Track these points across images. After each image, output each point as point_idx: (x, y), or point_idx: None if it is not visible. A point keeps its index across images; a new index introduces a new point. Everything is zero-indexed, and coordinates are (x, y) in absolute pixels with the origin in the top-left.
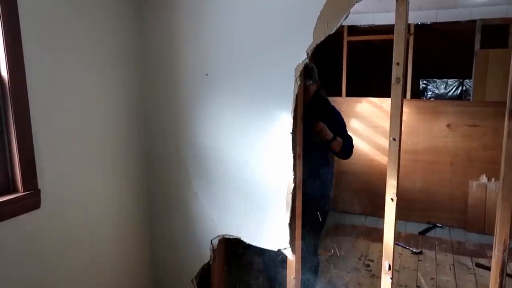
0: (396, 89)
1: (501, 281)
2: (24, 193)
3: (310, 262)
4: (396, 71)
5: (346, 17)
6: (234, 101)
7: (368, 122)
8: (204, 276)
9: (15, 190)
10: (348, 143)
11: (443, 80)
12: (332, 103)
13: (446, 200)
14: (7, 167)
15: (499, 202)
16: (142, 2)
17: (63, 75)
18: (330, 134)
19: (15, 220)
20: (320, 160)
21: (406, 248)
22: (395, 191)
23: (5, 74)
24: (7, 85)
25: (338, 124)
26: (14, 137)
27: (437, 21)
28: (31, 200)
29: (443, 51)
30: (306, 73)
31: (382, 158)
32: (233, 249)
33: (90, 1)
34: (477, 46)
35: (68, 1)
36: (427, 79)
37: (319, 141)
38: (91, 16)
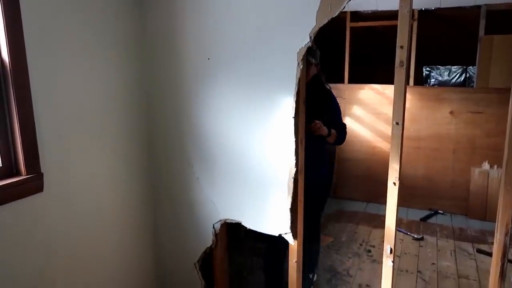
0: (399, 72)
1: (502, 264)
2: (27, 176)
3: (310, 248)
4: (399, 55)
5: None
6: (236, 86)
7: (371, 109)
8: (207, 260)
9: (18, 173)
10: (341, 132)
11: (446, 67)
12: (334, 90)
13: (448, 187)
14: (9, 150)
15: (502, 186)
16: None
17: (64, 59)
18: (325, 131)
19: (18, 203)
20: (321, 147)
21: (407, 234)
22: (397, 175)
23: (6, 57)
24: (8, 68)
25: (334, 110)
26: (16, 120)
27: (441, 6)
28: (34, 184)
29: (446, 37)
30: (309, 52)
31: (384, 145)
32: (234, 233)
33: None
34: (481, 32)
35: None
36: (430, 66)
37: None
38: (93, 2)
